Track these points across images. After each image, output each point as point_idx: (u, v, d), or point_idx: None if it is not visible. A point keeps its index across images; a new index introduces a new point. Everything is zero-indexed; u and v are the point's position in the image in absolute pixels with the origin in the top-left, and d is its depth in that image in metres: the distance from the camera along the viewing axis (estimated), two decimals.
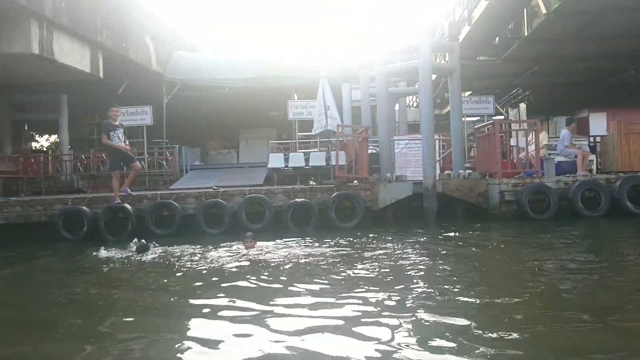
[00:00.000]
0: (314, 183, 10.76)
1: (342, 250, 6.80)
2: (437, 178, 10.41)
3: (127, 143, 9.44)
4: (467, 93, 20.74)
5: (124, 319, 4.12)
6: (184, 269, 5.92)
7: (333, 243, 7.42)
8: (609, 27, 11.89)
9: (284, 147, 14.90)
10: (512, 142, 13.53)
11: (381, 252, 6.64)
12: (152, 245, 7.15)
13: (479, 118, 16.44)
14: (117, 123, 9.30)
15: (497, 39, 15.46)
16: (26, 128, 17.57)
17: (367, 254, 6.45)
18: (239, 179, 13.20)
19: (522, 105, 18.50)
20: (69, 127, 14.78)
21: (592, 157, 12.02)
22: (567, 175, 10.33)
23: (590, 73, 15.69)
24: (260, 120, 18.89)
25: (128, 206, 9.14)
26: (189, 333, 3.62)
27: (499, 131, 9.90)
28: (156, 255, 6.81)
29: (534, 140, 11.94)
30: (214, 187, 10.22)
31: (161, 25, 15.99)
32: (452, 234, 8.36)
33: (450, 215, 10.11)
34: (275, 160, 13.64)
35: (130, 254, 6.95)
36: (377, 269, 5.56)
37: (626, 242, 7.33)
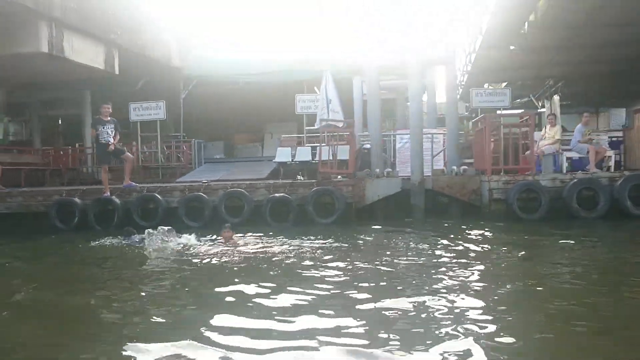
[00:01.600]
0: (302, 178, 10.68)
1: (286, 246, 6.75)
2: (431, 174, 10.08)
3: (118, 137, 9.78)
4: (503, 84, 19.89)
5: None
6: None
7: (284, 239, 7.35)
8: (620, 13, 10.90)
9: (297, 141, 14.88)
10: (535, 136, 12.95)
11: (331, 248, 6.53)
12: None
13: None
14: (108, 119, 9.67)
15: (526, 26, 14.63)
16: (59, 123, 18.58)
17: (313, 251, 6.36)
18: (245, 173, 13.32)
19: (556, 98, 17.51)
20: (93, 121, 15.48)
21: (610, 153, 11.16)
22: (566, 172, 9.67)
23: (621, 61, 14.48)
24: (284, 114, 18.95)
25: (116, 198, 9.50)
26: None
27: (489, 126, 9.40)
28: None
29: (547, 134, 11.39)
30: (203, 182, 10.39)
31: (180, 22, 16.32)
32: (431, 232, 8.08)
33: (440, 213, 9.75)
34: (282, 154, 13.65)
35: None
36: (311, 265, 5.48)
37: (606, 247, 6.77)
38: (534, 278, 4.89)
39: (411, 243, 7.25)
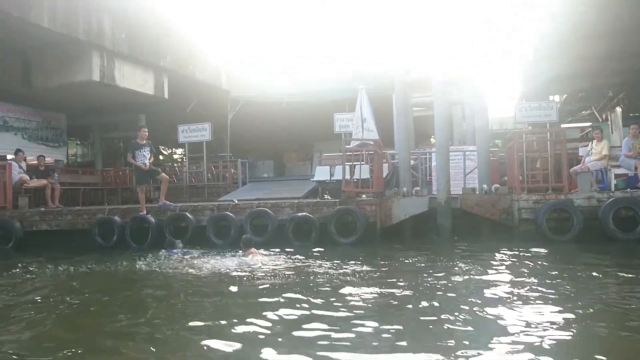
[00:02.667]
0: (329, 197, 10.70)
1: (289, 264, 6.81)
2: (462, 192, 9.79)
3: (152, 159, 10.33)
4: (564, 96, 18.95)
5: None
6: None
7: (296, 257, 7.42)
8: None
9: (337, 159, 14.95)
10: (581, 152, 12.21)
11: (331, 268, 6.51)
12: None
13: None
14: (144, 142, 10.26)
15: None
16: (121, 144, 19.89)
17: (314, 271, 6.39)
18: (283, 192, 13.59)
19: (618, 110, 16.43)
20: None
21: None
22: (603, 191, 9.02)
23: None
24: (330, 133, 19.15)
25: (151, 217, 10.00)
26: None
27: (518, 142, 8.99)
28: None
29: (593, 149, 10.72)
30: (234, 201, 10.69)
31: (228, 46, 17.08)
32: (447, 254, 7.84)
33: (469, 233, 9.41)
34: (321, 173, 13.76)
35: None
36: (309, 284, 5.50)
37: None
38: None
39: (422, 264, 7.06)
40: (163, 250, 8.39)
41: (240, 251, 7.82)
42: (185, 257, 7.87)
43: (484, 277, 5.84)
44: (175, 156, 27.35)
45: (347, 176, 9.78)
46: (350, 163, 10.06)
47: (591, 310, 4.27)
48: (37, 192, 12.16)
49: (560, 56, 13.55)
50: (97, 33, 11.80)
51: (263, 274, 6.37)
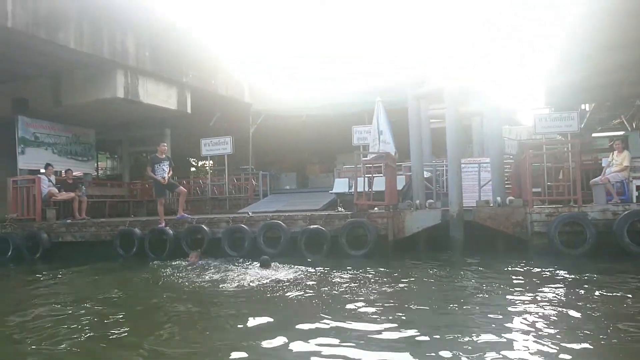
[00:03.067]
0: (342, 210, 10.77)
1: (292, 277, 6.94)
2: (476, 205, 9.73)
3: (171, 173, 10.66)
4: (593, 105, 18.54)
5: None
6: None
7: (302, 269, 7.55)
8: None
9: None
10: (604, 162, 11.96)
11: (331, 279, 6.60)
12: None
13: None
14: (164, 156, 10.61)
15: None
16: (148, 158, 20.41)
17: (315, 284, 6.49)
18: (302, 204, 13.72)
19: None
20: (172, 156, 16.90)
21: None
22: (625, 203, 8.80)
23: None
24: (351, 145, 19.25)
25: (169, 229, 10.30)
26: None
27: (529, 154, 8.90)
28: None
29: (614, 160, 10.51)
30: (248, 214, 10.89)
31: (250, 60, 17.42)
32: (460, 268, 7.80)
33: (482, 246, 9.33)
34: (340, 185, 13.85)
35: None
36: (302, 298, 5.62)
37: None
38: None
39: (428, 278, 7.08)
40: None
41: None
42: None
43: (490, 295, 5.79)
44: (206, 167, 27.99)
45: (360, 189, 9.82)
46: (363, 176, 10.08)
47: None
48: (65, 204, 12.67)
49: (581, 67, 13.33)
50: (121, 52, 12.29)
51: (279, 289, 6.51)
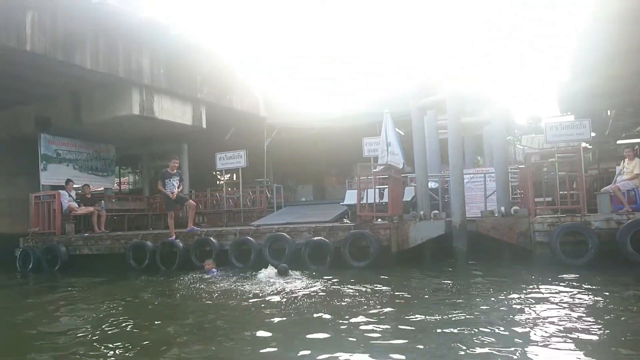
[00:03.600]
0: (348, 221, 10.85)
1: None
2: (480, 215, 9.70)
3: (181, 188, 10.97)
4: (614, 112, 18.19)
5: None
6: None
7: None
8: None
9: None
10: (618, 170, 11.74)
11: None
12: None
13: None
14: (174, 172, 10.94)
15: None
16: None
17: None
18: (314, 216, 13.84)
19: None
20: (190, 170, 17.29)
21: None
22: (628, 212, 8.62)
23: None
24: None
25: (179, 242, 10.58)
26: None
27: (531, 164, 8.83)
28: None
29: (625, 168, 10.33)
30: (255, 226, 11.09)
31: (265, 75, 17.72)
32: (464, 279, 7.83)
33: (487, 257, 9.28)
34: (351, 197, 13.92)
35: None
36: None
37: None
38: None
39: (425, 289, 7.11)
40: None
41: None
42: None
43: (490, 308, 5.73)
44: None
45: (366, 200, 9.91)
46: (373, 187, 10.17)
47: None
48: (86, 218, 13.13)
49: (597, 72, 13.13)
50: (136, 71, 12.74)
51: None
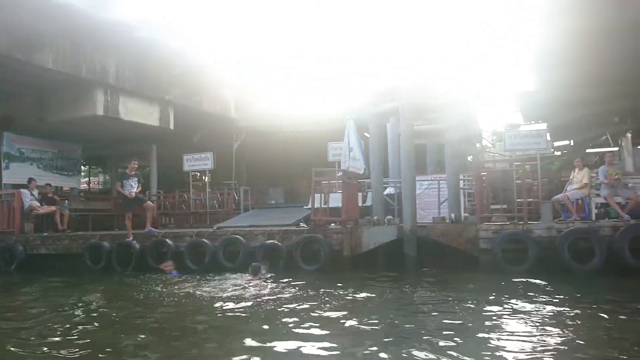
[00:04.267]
0: (304, 225, 10.98)
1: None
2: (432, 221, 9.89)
3: (139, 189, 11.01)
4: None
5: None
6: None
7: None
8: None
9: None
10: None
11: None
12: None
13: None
14: (133, 173, 10.99)
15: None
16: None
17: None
18: (279, 219, 13.93)
19: (628, 135, 15.96)
20: (159, 170, 17.28)
21: None
22: (564, 220, 8.89)
23: None
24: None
25: (136, 243, 10.61)
26: None
27: (480, 171, 9.04)
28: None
29: (575, 178, 10.59)
30: (214, 228, 11.16)
31: (237, 77, 17.75)
32: (407, 284, 7.98)
33: (437, 263, 9.45)
34: (315, 201, 14.05)
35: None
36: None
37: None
38: None
39: (367, 294, 7.23)
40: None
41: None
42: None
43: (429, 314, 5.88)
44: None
45: (317, 205, 10.05)
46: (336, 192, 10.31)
47: None
48: (49, 218, 13.07)
49: (560, 84, 13.41)
50: (100, 71, 12.75)
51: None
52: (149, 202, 11.39)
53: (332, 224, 10.03)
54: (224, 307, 6.26)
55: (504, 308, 5.84)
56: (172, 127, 15.27)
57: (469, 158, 20.70)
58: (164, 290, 7.85)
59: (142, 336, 5.09)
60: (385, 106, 10.25)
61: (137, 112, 14.09)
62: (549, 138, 17.91)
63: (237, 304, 6.43)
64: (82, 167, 18.39)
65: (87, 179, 21.54)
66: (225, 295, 7.07)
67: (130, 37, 13.35)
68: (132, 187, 10.82)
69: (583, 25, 10.35)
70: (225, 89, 17.17)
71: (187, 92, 15.50)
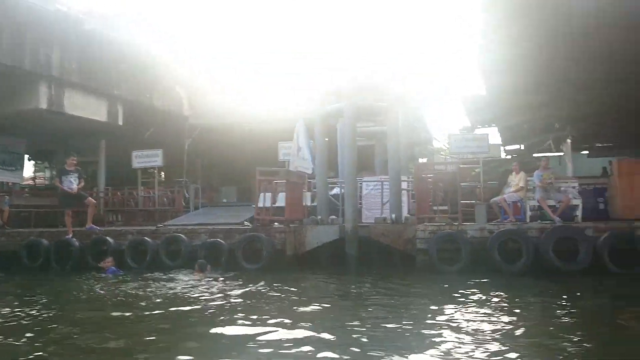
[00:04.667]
0: (249, 224, 11.01)
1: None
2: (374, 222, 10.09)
3: (81, 185, 10.78)
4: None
5: None
6: None
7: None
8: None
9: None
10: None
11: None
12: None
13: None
14: (72, 169, 10.75)
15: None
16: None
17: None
18: (228, 217, 13.90)
19: (568, 141, 16.64)
20: (108, 167, 16.92)
21: (577, 202, 10.42)
22: (501, 222, 9.25)
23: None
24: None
25: (75, 241, 10.38)
26: None
27: (419, 174, 9.29)
28: None
29: (512, 181, 10.98)
30: (158, 226, 11.05)
31: (191, 73, 17.58)
32: (342, 283, 8.13)
33: (377, 262, 9.65)
34: (264, 200, 14.07)
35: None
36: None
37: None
38: None
39: (305, 293, 7.33)
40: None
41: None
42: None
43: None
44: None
45: (261, 204, 10.10)
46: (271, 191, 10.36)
47: None
48: None
49: (504, 90, 13.86)
50: (44, 64, 12.39)
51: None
52: (90, 198, 11.15)
53: (276, 223, 10.08)
54: (170, 308, 6.20)
55: (426, 307, 6.06)
56: (120, 122, 15.00)
57: (422, 160, 21.23)
58: (91, 290, 7.75)
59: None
60: (330, 107, 10.39)
61: (83, 107, 13.78)
62: (500, 142, 18.51)
63: (180, 305, 6.39)
64: (27, 161, 17.77)
65: (32, 174, 20.90)
66: (163, 293, 7.04)
67: (76, 30, 13.06)
68: (72, 183, 10.58)
69: (517, 37, 10.79)
70: (178, 86, 16.99)
71: (137, 88, 15.25)
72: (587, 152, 21.18)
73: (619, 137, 18.56)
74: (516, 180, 10.77)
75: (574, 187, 10.71)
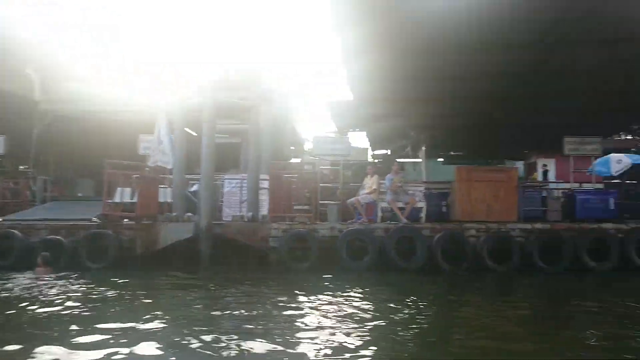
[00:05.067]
0: (97, 220, 10.40)
1: None
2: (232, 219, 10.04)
3: None
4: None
5: None
6: None
7: None
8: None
9: None
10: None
11: None
12: None
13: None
14: None
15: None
16: None
17: None
18: (82, 212, 12.90)
19: (423, 148, 18.04)
20: None
21: (421, 204, 11.31)
22: (355, 221, 9.77)
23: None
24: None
25: None
26: None
27: (275, 174, 9.47)
28: None
29: (367, 184, 11.56)
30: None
31: (48, 56, 16.13)
32: (190, 281, 7.96)
33: (232, 260, 9.59)
34: (123, 194, 13.34)
35: None
36: None
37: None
38: None
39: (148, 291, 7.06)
40: None
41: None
42: None
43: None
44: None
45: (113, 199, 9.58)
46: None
47: None
48: None
49: (365, 98, 14.57)
50: None
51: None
52: None
53: (126, 220, 9.61)
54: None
55: (269, 301, 6.18)
56: None
57: (294, 160, 21.60)
58: None
59: None
60: (191, 101, 10.16)
61: None
62: (368, 146, 19.29)
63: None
64: None
65: None
66: None
67: None
68: None
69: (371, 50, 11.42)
70: (30, 68, 15.47)
71: None
72: (442, 159, 23.05)
73: (469, 146, 20.48)
74: (370, 183, 11.41)
75: (420, 191, 11.63)
